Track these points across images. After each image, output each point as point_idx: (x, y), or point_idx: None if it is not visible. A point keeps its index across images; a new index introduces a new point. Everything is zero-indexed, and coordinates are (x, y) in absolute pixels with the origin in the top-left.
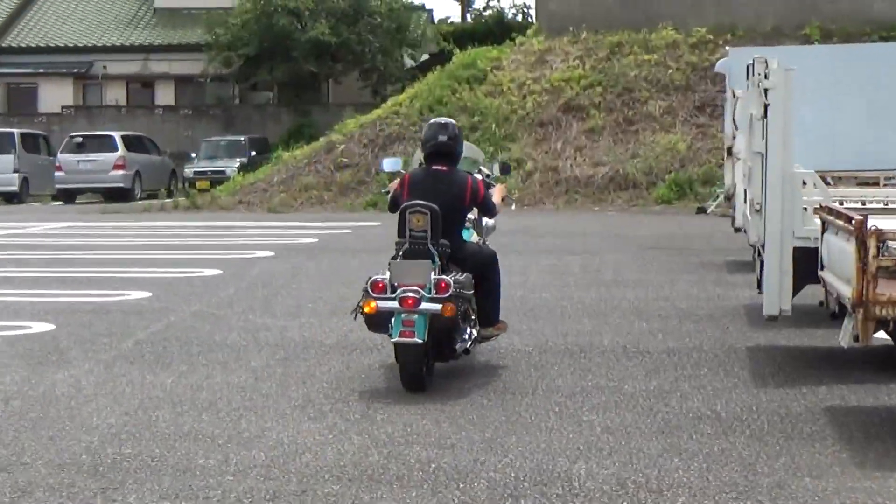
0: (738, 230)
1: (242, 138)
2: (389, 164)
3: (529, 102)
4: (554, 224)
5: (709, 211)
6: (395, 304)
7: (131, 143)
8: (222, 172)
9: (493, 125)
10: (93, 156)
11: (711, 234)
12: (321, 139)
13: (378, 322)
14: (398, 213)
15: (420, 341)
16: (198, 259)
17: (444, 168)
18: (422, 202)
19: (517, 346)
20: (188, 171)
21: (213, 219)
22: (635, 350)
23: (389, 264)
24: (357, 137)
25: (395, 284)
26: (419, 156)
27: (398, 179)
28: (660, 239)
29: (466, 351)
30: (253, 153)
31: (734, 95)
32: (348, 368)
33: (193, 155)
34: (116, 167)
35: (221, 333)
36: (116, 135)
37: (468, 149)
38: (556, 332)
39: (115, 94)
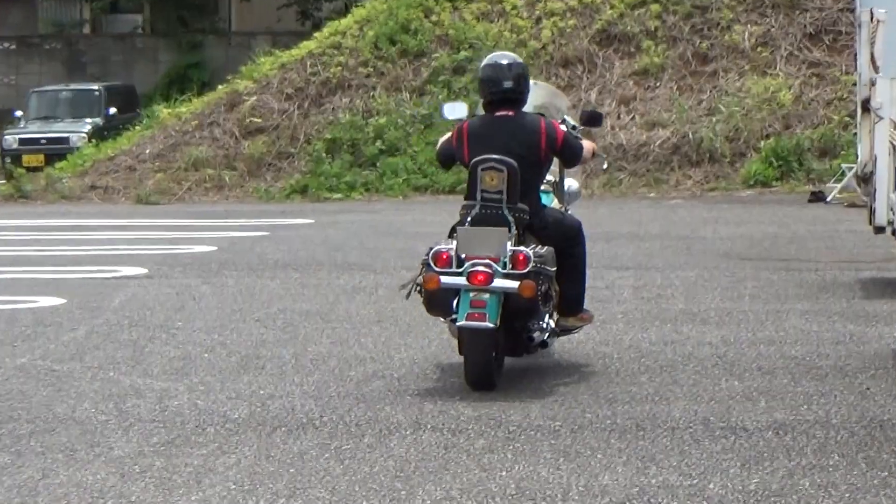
0: (879, 230)
1: (96, 88)
2: (452, 109)
3: (547, 29)
4: (589, 219)
5: (830, 199)
6: (462, 280)
7: None
8: (64, 141)
9: None
10: None
11: (835, 236)
12: (219, 88)
13: (440, 302)
14: (469, 170)
15: (492, 326)
16: (26, 281)
17: (510, 113)
18: (497, 157)
19: (535, 419)
20: (9, 139)
21: (51, 215)
22: (723, 426)
23: (456, 231)
24: (276, 85)
25: (463, 256)
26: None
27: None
28: (754, 244)
29: (544, 344)
30: (112, 111)
31: (872, 19)
32: (269, 459)
33: (18, 114)
34: None
35: (66, 402)
36: None
37: (546, 92)
38: (597, 398)
39: None
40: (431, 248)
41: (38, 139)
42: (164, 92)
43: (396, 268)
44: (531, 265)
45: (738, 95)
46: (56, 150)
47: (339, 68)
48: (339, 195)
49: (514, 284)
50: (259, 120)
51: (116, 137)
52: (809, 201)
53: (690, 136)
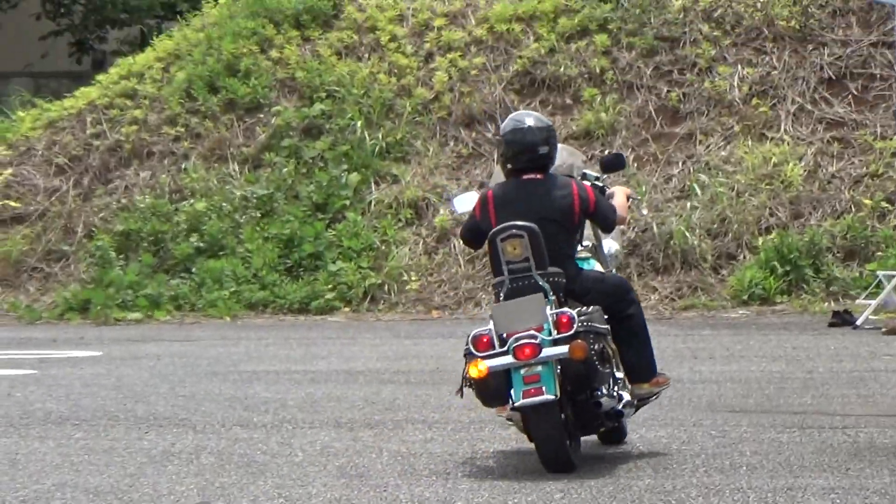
0: None
1: None
2: (463, 201)
3: (442, 71)
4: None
5: (860, 322)
6: (509, 359)
7: None
8: None
9: (359, 125)
10: None
11: (871, 378)
12: None
13: (494, 390)
14: (487, 244)
15: (552, 397)
16: None
17: (538, 176)
18: (513, 223)
19: None
20: None
21: None
22: None
23: (492, 310)
24: (41, 153)
25: (504, 335)
26: (497, 174)
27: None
28: (751, 390)
29: (619, 414)
30: None
31: None
32: None
33: None
34: None
35: None
36: None
37: (560, 151)
38: None
39: None
40: (470, 334)
41: None
42: None
43: (226, 424)
44: (577, 325)
45: (723, 169)
46: None
47: (135, 128)
48: (136, 315)
49: (564, 349)
50: (16, 204)
51: None
52: (831, 325)
53: (655, 229)
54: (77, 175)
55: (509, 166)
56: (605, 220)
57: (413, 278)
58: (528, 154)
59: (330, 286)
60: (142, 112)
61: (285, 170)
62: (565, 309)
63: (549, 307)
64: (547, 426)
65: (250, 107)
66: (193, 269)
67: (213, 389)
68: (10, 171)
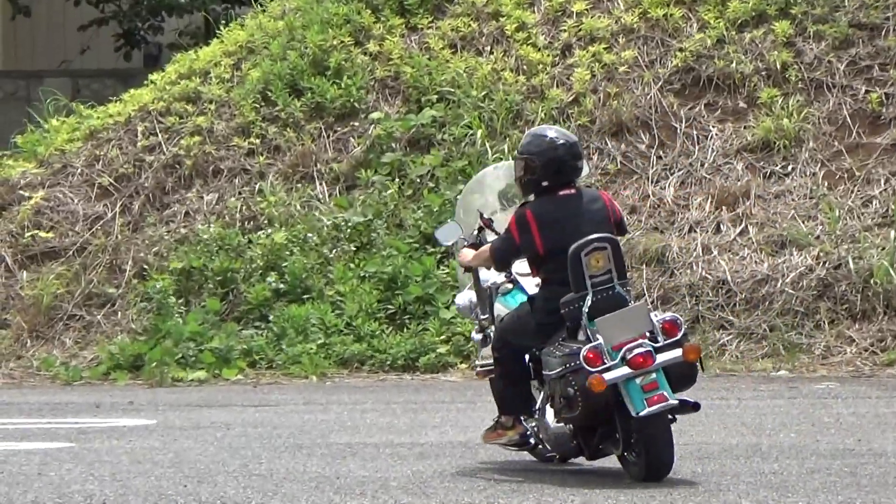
0: None
1: None
2: (447, 233)
3: (583, 67)
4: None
5: None
6: (626, 370)
7: None
8: None
9: (479, 135)
10: None
11: None
12: None
13: (605, 403)
14: (570, 260)
15: (675, 401)
16: None
17: (572, 191)
18: (596, 236)
19: None
20: None
21: None
22: None
23: (596, 325)
24: (81, 171)
25: (611, 347)
26: (465, 209)
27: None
28: None
29: (697, 405)
30: None
31: None
32: None
33: None
34: None
35: None
36: None
37: (507, 169)
38: None
39: None
40: (579, 353)
41: None
42: None
43: None
44: (683, 329)
45: None
46: None
47: (198, 139)
48: (199, 374)
49: (678, 352)
50: (49, 235)
51: None
52: None
53: (851, 265)
54: (125, 199)
55: (545, 184)
56: (625, 230)
57: None
58: (570, 170)
59: (442, 338)
60: (206, 120)
61: (387, 192)
62: (668, 314)
63: (651, 313)
64: (667, 432)
65: (342, 113)
66: (271, 317)
67: (297, 467)
68: (41, 193)
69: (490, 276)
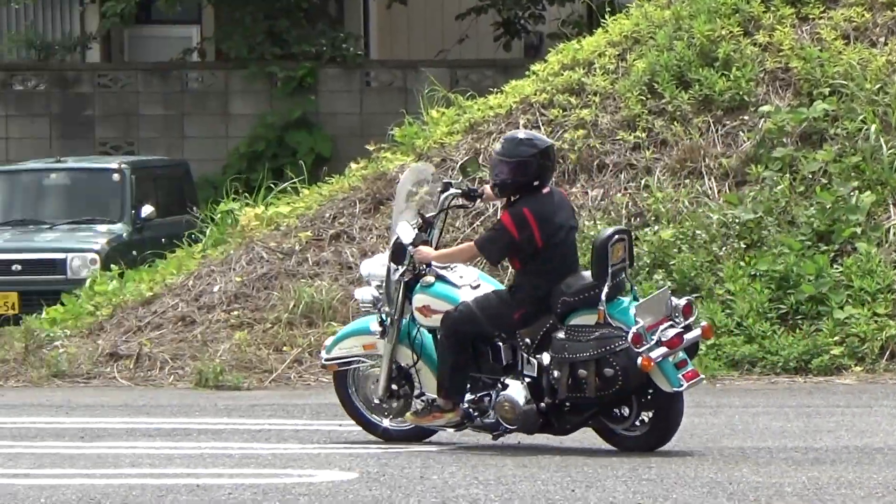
0: None
1: (114, 167)
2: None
3: None
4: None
5: None
6: (663, 349)
7: None
8: (55, 268)
9: (873, 130)
10: None
11: None
12: (351, 168)
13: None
14: (599, 251)
15: (703, 377)
16: None
17: (547, 189)
18: (618, 227)
19: None
20: None
21: (30, 412)
22: None
23: (635, 311)
24: (460, 163)
25: (645, 329)
26: (404, 216)
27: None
28: None
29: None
30: (147, 211)
31: None
32: None
33: None
34: None
35: None
36: None
37: (408, 174)
38: None
39: None
40: (627, 334)
41: (7, 263)
42: (243, 174)
43: None
44: (695, 311)
45: None
46: (40, 287)
47: (582, 133)
48: None
49: (698, 332)
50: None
51: (157, 263)
52: None
53: None
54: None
55: (536, 183)
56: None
57: None
58: (552, 171)
59: (836, 339)
60: (590, 112)
61: (778, 188)
62: (683, 299)
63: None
64: (681, 406)
65: (731, 106)
66: None
67: (687, 472)
68: (425, 189)
69: (397, 271)
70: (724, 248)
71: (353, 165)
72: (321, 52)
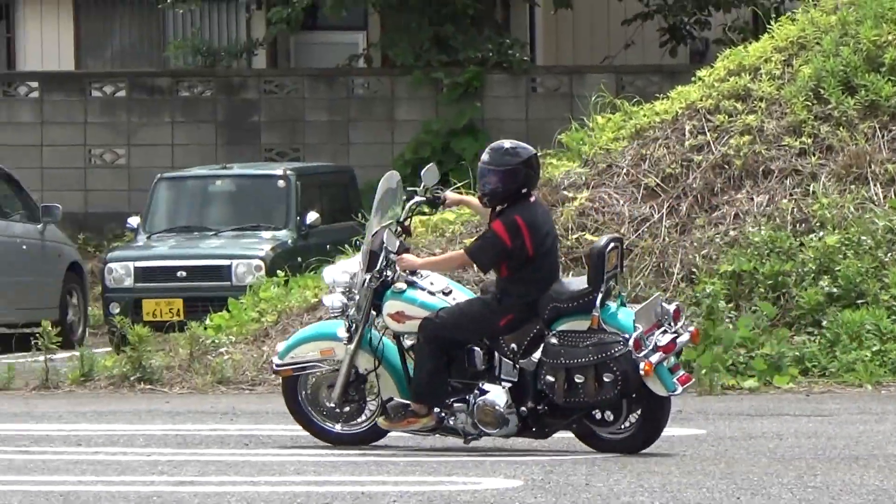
0: None
1: (279, 173)
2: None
3: None
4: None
5: None
6: (660, 354)
7: None
8: (220, 274)
9: None
10: None
11: None
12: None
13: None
14: (597, 258)
15: (693, 379)
16: None
17: (534, 198)
18: (612, 235)
19: None
20: (117, 269)
21: (201, 437)
22: None
23: (635, 315)
24: (626, 171)
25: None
26: (377, 225)
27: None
28: None
29: None
30: (312, 217)
31: None
32: None
33: (134, 222)
34: None
35: None
36: None
37: (382, 182)
38: None
39: None
40: (628, 339)
41: (172, 270)
42: (410, 180)
43: None
44: (683, 315)
45: None
46: (205, 293)
47: (748, 139)
48: (751, 382)
49: (688, 336)
50: (594, 237)
51: (321, 269)
52: None
53: None
54: (672, 200)
55: (524, 191)
56: None
57: None
58: (538, 178)
59: None
60: (756, 118)
61: None
62: (672, 304)
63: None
64: (668, 410)
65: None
66: (824, 323)
67: (853, 480)
68: (585, 194)
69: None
70: (889, 254)
71: None
72: (487, 58)
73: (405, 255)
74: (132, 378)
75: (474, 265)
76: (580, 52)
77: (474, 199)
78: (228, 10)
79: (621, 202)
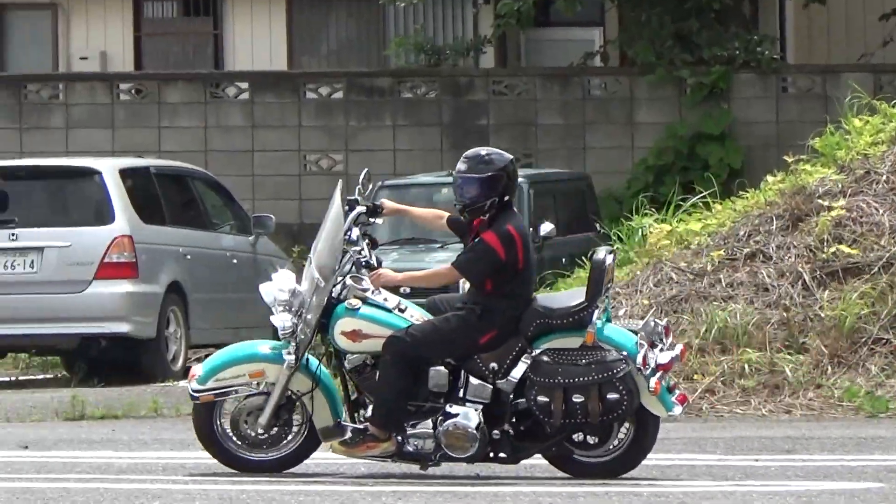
0: None
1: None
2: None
3: None
4: None
5: None
6: (659, 374)
7: (148, 199)
8: (443, 287)
9: None
10: (25, 235)
11: None
12: (767, 181)
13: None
14: (598, 271)
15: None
16: None
17: (514, 208)
18: (610, 248)
19: None
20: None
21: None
22: None
23: (638, 333)
24: (887, 176)
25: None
26: (335, 227)
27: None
28: None
29: None
30: (547, 228)
31: None
32: None
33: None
34: (108, 271)
35: None
36: (107, 167)
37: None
38: None
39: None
40: (635, 357)
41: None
42: (650, 188)
43: None
44: (671, 332)
45: None
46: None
47: None
48: None
49: (677, 352)
50: (853, 251)
51: (557, 283)
52: None
53: None
54: None
55: (507, 198)
56: None
57: None
58: (516, 185)
59: None
60: None
61: None
62: (662, 321)
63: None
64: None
65: None
66: None
67: None
68: (842, 203)
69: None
70: None
71: (770, 178)
72: (734, 57)
73: (382, 270)
74: None
75: (462, 279)
76: (835, 50)
77: (415, 209)
78: (454, 4)
79: (881, 211)
